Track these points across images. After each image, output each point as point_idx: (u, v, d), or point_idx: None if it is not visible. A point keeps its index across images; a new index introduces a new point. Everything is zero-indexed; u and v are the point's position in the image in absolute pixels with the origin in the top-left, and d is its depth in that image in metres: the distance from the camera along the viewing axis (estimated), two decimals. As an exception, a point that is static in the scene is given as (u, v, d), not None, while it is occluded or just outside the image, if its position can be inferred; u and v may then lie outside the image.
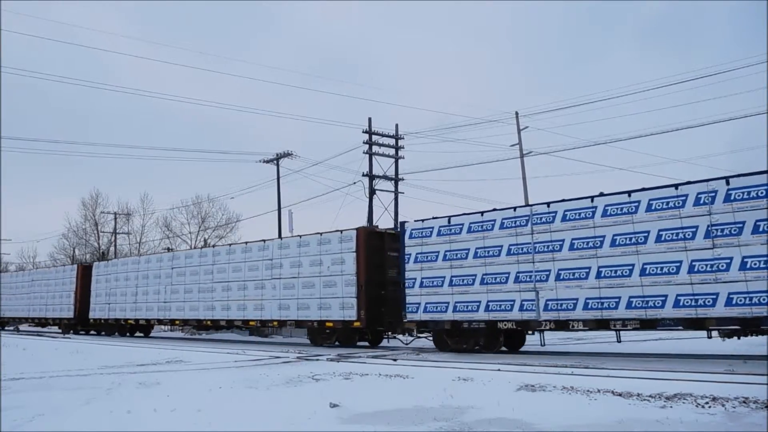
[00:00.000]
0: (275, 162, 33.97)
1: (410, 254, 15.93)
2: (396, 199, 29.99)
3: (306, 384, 9.13)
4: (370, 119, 29.55)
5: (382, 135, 29.90)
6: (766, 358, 11.14)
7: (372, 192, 29.58)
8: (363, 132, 29.55)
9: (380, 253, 17.67)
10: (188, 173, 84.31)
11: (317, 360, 13.31)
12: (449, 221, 15.31)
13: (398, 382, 9.12)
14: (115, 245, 53.51)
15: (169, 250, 39.31)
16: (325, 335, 18.53)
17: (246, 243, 21.31)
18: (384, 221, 28.86)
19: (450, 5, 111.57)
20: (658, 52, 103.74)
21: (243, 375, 10.36)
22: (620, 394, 7.11)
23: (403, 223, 16.55)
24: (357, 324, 16.91)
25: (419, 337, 16.63)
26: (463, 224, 14.96)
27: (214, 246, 21.87)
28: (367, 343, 18.95)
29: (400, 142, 30.36)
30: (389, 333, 18.42)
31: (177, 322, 24.07)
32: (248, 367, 11.93)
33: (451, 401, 7.07)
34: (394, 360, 12.99)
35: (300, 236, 19.22)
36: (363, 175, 29.60)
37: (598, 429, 5.59)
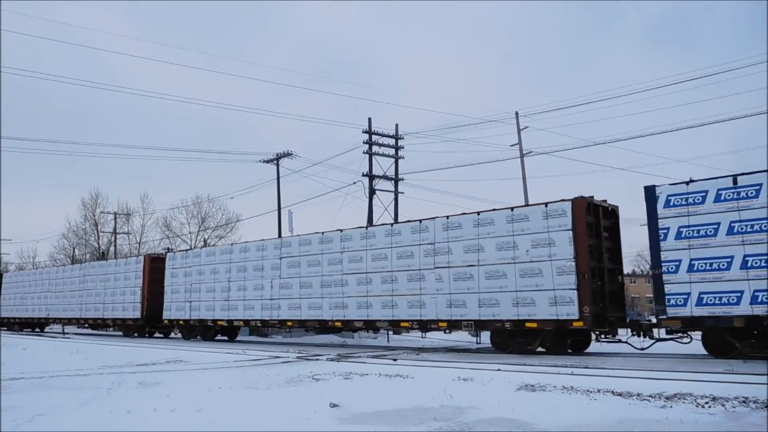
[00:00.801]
0: (275, 162, 33.98)
1: (668, 228, 12.39)
2: (396, 199, 30.00)
3: (306, 384, 9.13)
4: (370, 119, 29.61)
5: (382, 135, 29.93)
6: (766, 358, 11.14)
7: (372, 192, 29.58)
8: (363, 132, 29.57)
9: (597, 233, 14.03)
10: (188, 173, 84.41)
11: (317, 360, 13.32)
12: (735, 181, 11.75)
13: (398, 382, 9.12)
14: (115, 245, 53.56)
15: (169, 250, 39.26)
16: (522, 339, 14.44)
17: (392, 224, 17.64)
18: (384, 221, 28.87)
19: (450, 5, 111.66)
20: (659, 53, 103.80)
21: (243, 375, 10.36)
22: (620, 394, 7.11)
23: (652, 188, 12.83)
24: (579, 324, 13.22)
25: (674, 339, 13.21)
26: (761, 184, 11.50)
27: (341, 231, 17.89)
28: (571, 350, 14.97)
29: (400, 142, 30.38)
30: (607, 335, 14.01)
31: (289, 323, 19.68)
32: (248, 367, 11.93)
33: (451, 401, 7.07)
34: (394, 360, 13.00)
35: (478, 213, 15.29)
36: (363, 175, 29.62)
37: (598, 429, 5.59)
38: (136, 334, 26.58)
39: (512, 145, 29.69)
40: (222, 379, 9.60)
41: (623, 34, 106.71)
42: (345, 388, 8.56)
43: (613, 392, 7.27)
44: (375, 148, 29.67)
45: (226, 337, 23.91)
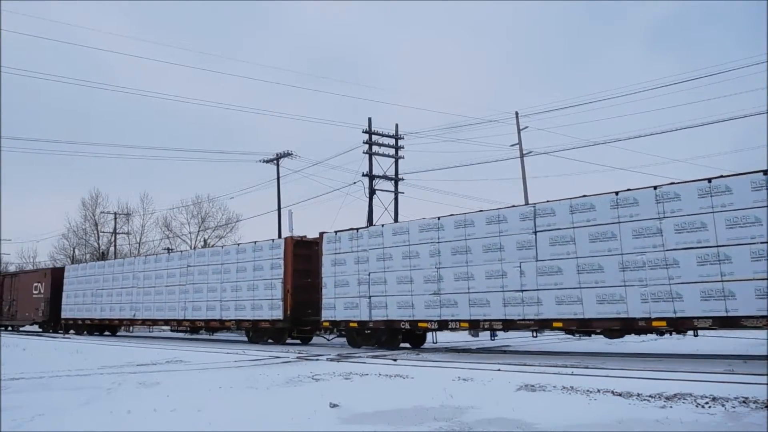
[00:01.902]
0: (275, 162, 33.99)
1: None
2: (396, 199, 30.00)
3: (306, 384, 9.14)
4: (370, 119, 29.60)
5: (382, 135, 29.93)
6: (766, 358, 11.14)
7: (372, 192, 29.58)
8: (363, 132, 29.58)
9: None
10: (188, 173, 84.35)
11: (317, 360, 13.32)
12: None
13: (398, 382, 9.12)
14: (115, 245, 53.56)
15: (169, 250, 39.24)
16: None
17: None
18: (384, 221, 28.87)
19: (450, 5, 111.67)
20: (663, 54, 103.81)
21: (243, 375, 10.36)
22: (620, 394, 7.11)
23: None
24: None
25: None
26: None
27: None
28: None
29: (400, 142, 30.39)
30: None
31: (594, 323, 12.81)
32: (248, 367, 11.93)
33: (451, 401, 7.07)
34: (394, 360, 13.00)
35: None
36: (363, 175, 29.62)
37: (598, 429, 5.59)
38: (269, 340, 20.50)
39: (512, 145, 29.72)
40: (222, 379, 9.61)
41: (624, 34, 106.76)
42: (345, 388, 8.56)
43: (613, 392, 7.27)
44: (375, 148, 29.67)
45: (408, 345, 17.68)
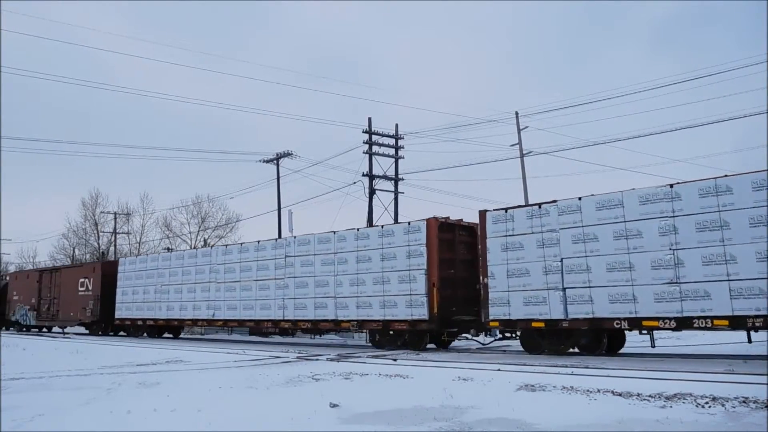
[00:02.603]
0: (275, 162, 33.99)
1: None
2: (396, 199, 30.02)
3: (306, 384, 9.14)
4: (370, 119, 29.62)
5: (382, 135, 29.95)
6: (766, 358, 11.13)
7: (372, 192, 29.60)
8: (363, 132, 29.60)
9: None
10: (188, 173, 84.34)
11: (317, 360, 13.32)
12: None
13: (398, 382, 9.12)
14: (115, 245, 53.57)
15: (169, 250, 39.26)
16: None
17: None
18: (384, 221, 28.86)
19: (450, 5, 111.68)
20: (660, 53, 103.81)
21: (243, 375, 10.36)
22: (620, 394, 7.11)
23: None
24: None
25: None
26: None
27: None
28: None
29: (400, 142, 30.41)
30: None
31: None
32: (248, 367, 11.93)
33: (451, 401, 7.07)
34: (394, 360, 13.00)
35: None
36: (363, 175, 29.65)
37: (598, 429, 5.59)
38: (402, 344, 16.28)
39: (512, 145, 29.73)
40: (222, 379, 9.61)
41: (624, 34, 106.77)
42: (345, 388, 8.56)
43: (613, 392, 7.27)
44: (375, 148, 29.69)
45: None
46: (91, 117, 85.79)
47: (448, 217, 16.64)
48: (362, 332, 19.40)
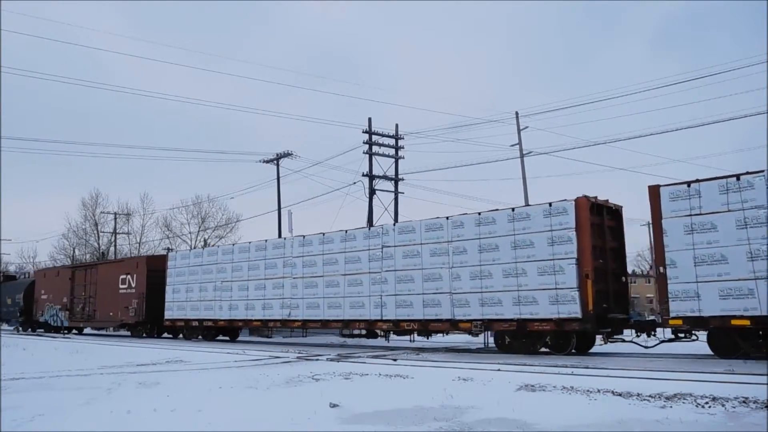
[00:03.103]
0: (275, 162, 33.99)
1: None
2: (396, 199, 30.03)
3: (306, 384, 9.14)
4: (370, 119, 29.62)
5: (382, 135, 29.96)
6: (766, 358, 11.13)
7: (372, 192, 29.60)
8: (363, 132, 29.60)
9: None
10: (188, 173, 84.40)
11: (317, 360, 13.32)
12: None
13: (398, 382, 9.12)
14: (115, 245, 53.59)
15: (169, 250, 39.19)
16: None
17: None
18: (384, 221, 28.86)
19: (450, 5, 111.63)
20: (660, 53, 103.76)
21: (243, 375, 10.36)
22: (620, 394, 7.11)
23: None
24: None
25: None
26: None
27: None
28: None
29: (400, 142, 30.41)
30: None
31: None
32: (248, 367, 11.93)
33: (451, 401, 7.07)
34: (394, 360, 13.00)
35: None
36: (363, 175, 29.65)
37: (598, 429, 5.59)
38: (542, 353, 14.01)
39: (512, 145, 29.72)
40: (222, 379, 9.61)
41: (624, 35, 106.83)
42: (345, 388, 8.56)
43: (613, 392, 7.27)
44: (375, 148, 29.70)
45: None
46: (90, 117, 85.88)
47: (596, 197, 14.17)
48: (481, 332, 15.68)
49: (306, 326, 19.86)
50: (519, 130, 29.45)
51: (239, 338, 23.91)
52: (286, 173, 45.44)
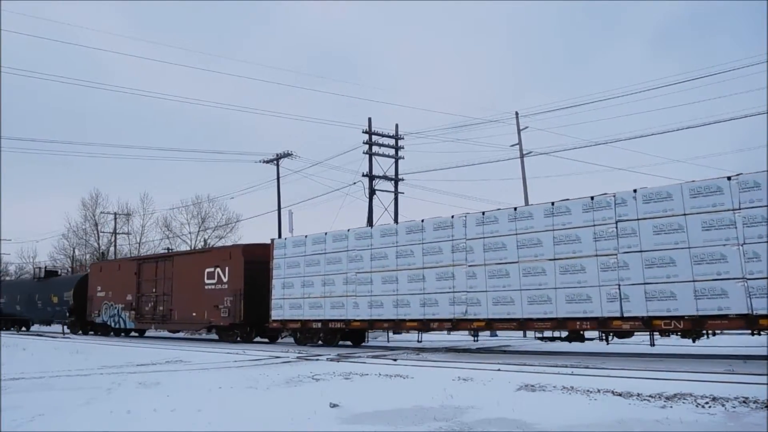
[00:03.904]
0: (275, 162, 34.00)
1: None
2: (396, 199, 30.03)
3: (306, 384, 9.14)
4: (370, 119, 29.63)
5: (382, 135, 29.97)
6: (766, 358, 11.13)
7: (372, 192, 29.60)
8: (363, 132, 29.61)
9: None
10: (188, 173, 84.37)
11: (317, 360, 13.32)
12: None
13: (398, 382, 9.13)
14: (115, 245, 53.59)
15: (169, 250, 39.10)
16: None
17: None
18: (384, 221, 28.85)
19: (450, 5, 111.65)
20: (661, 54, 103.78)
21: (243, 375, 10.36)
22: (620, 394, 7.12)
23: None
24: None
25: None
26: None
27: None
28: None
29: (400, 142, 30.42)
30: None
31: None
32: (248, 367, 11.93)
33: (451, 401, 7.08)
34: (394, 360, 13.00)
35: None
36: (363, 176, 29.65)
37: (598, 429, 5.59)
38: None
39: (512, 145, 29.77)
40: (222, 379, 9.61)
41: (624, 35, 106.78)
42: (345, 388, 8.56)
43: (613, 392, 7.28)
44: (375, 148, 29.71)
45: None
46: (89, 117, 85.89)
47: None
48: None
49: (492, 327, 14.98)
50: (519, 130, 29.48)
51: (363, 344, 19.83)
52: (286, 173, 45.53)
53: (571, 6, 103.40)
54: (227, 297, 20.80)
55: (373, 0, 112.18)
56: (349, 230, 17.63)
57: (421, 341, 17.64)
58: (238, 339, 20.92)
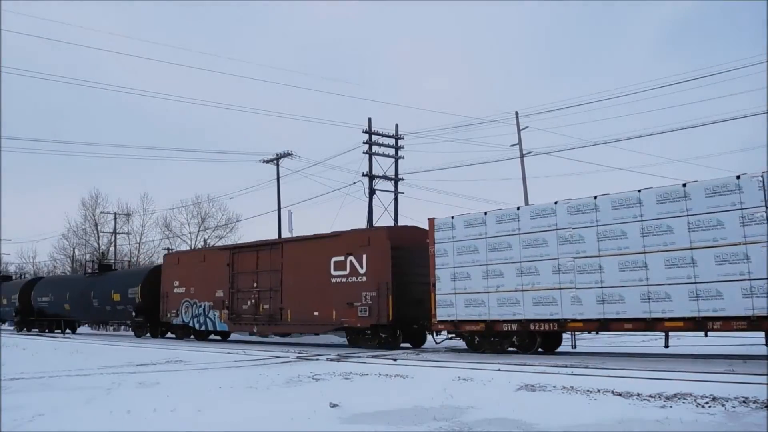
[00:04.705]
0: (275, 162, 34.00)
1: None
2: (396, 199, 30.02)
3: (306, 384, 9.14)
4: (370, 119, 29.62)
5: (382, 135, 29.97)
6: (766, 358, 11.13)
7: (372, 192, 29.60)
8: (363, 132, 29.60)
9: None
10: (188, 173, 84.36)
11: (317, 360, 13.32)
12: None
13: (398, 382, 9.13)
14: (115, 245, 53.59)
15: (168, 250, 39.12)
16: None
17: None
18: (384, 221, 28.86)
19: (450, 5, 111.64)
20: (661, 54, 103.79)
21: (243, 375, 10.36)
22: (620, 394, 7.11)
23: None
24: None
25: None
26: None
27: None
28: None
29: (400, 142, 30.42)
30: None
31: None
32: (248, 366, 11.93)
33: (451, 401, 7.08)
34: (394, 360, 13.00)
35: None
36: (363, 175, 29.64)
37: (598, 429, 5.59)
38: None
39: (512, 145, 29.75)
40: (222, 379, 9.61)
41: (625, 35, 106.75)
42: (345, 388, 8.56)
43: (613, 392, 7.27)
44: (375, 148, 29.71)
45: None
46: (89, 117, 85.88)
47: None
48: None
49: None
50: (519, 130, 29.47)
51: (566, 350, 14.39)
52: (286, 173, 45.41)
53: (574, 6, 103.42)
54: (366, 292, 16.67)
55: (374, 0, 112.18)
56: (555, 203, 13.18)
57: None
58: (378, 343, 16.75)
